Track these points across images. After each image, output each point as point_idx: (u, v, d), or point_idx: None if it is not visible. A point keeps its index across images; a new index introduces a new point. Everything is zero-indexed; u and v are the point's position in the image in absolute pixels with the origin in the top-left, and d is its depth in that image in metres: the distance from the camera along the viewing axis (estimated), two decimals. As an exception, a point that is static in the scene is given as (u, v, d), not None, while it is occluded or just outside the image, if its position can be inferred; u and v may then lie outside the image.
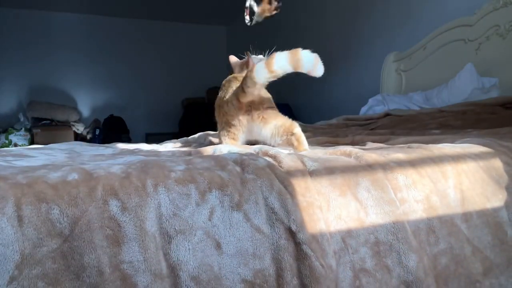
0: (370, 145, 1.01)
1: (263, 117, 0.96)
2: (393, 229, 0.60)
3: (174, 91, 5.53)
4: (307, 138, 0.97)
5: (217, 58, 5.27)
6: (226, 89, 1.03)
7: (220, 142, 1.04)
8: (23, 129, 4.32)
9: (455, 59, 2.14)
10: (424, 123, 1.54)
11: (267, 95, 1.01)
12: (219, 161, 0.62)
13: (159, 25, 5.55)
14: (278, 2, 1.24)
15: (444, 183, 0.68)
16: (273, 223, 0.55)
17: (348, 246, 0.58)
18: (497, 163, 0.76)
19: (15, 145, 4.10)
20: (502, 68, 1.89)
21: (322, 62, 0.81)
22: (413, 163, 0.69)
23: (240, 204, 0.55)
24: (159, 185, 0.54)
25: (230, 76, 1.11)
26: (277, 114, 0.98)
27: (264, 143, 0.97)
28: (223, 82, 1.09)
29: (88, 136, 4.66)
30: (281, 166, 0.63)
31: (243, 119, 0.96)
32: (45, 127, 4.36)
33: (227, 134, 1.00)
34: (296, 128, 0.95)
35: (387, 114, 1.89)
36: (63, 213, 0.48)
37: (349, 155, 0.71)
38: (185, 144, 1.42)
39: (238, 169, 0.60)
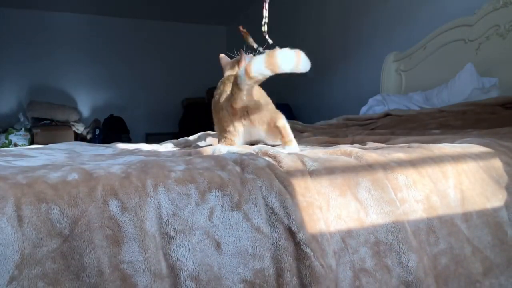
0: (370, 145, 1.01)
1: (261, 119, 0.96)
2: (393, 229, 0.60)
3: (174, 91, 5.53)
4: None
5: (217, 58, 5.17)
6: (221, 92, 1.03)
7: None
8: (23, 129, 4.32)
9: (455, 59, 2.14)
10: (424, 123, 1.54)
11: (263, 95, 1.00)
12: (219, 161, 0.62)
13: (159, 25, 5.55)
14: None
15: (444, 183, 0.68)
16: (273, 223, 0.55)
17: (348, 246, 0.58)
18: (497, 163, 0.75)
19: (15, 145, 4.10)
20: (502, 68, 1.89)
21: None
22: (413, 163, 0.69)
23: (240, 204, 0.55)
24: (159, 185, 0.54)
25: (224, 77, 1.10)
26: (270, 111, 0.97)
27: (266, 144, 0.98)
28: (219, 82, 1.09)
29: (88, 136, 4.66)
30: (281, 166, 0.63)
31: (238, 125, 0.96)
32: (45, 127, 4.36)
33: (224, 141, 1.00)
34: (280, 120, 0.94)
35: (387, 114, 1.89)
36: (63, 213, 0.48)
37: (349, 154, 0.71)
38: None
39: (238, 169, 0.60)
